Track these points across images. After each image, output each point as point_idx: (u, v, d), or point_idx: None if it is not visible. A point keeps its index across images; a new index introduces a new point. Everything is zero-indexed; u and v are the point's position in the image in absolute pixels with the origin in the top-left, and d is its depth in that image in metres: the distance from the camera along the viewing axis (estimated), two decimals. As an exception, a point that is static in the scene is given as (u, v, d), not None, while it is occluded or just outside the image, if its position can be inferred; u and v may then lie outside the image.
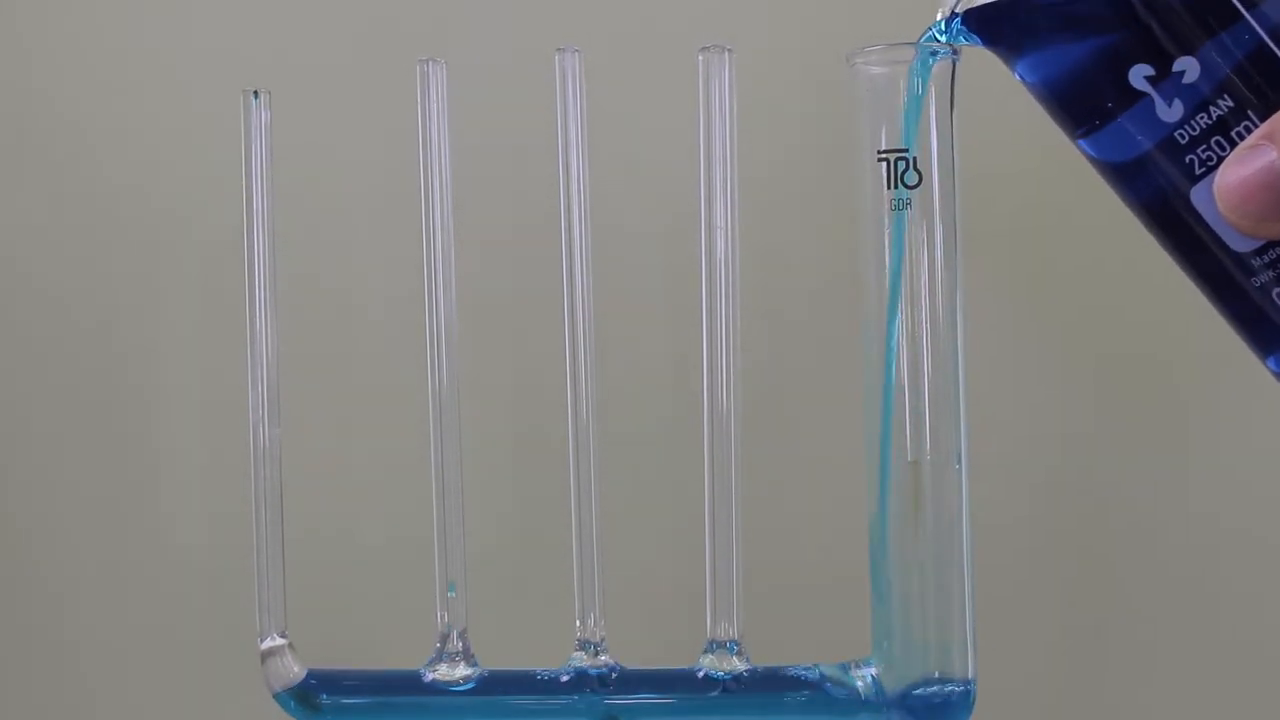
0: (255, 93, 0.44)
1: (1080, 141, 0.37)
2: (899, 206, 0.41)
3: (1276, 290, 0.35)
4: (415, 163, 0.45)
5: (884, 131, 0.41)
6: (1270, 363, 0.36)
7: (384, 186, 0.59)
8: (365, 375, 0.60)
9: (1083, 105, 0.36)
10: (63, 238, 0.62)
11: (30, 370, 0.62)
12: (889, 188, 0.41)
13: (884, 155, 0.41)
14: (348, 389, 0.60)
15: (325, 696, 0.44)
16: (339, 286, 0.60)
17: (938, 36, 0.39)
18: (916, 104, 0.40)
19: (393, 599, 0.60)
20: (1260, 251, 0.35)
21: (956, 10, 0.38)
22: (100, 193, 0.61)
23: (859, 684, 0.43)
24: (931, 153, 0.41)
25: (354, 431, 0.60)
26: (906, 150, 0.40)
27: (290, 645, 0.45)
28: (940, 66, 0.40)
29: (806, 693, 0.43)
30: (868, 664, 0.43)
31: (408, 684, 0.44)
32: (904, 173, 0.41)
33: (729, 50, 0.42)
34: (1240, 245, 0.35)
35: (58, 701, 0.63)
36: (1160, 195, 0.36)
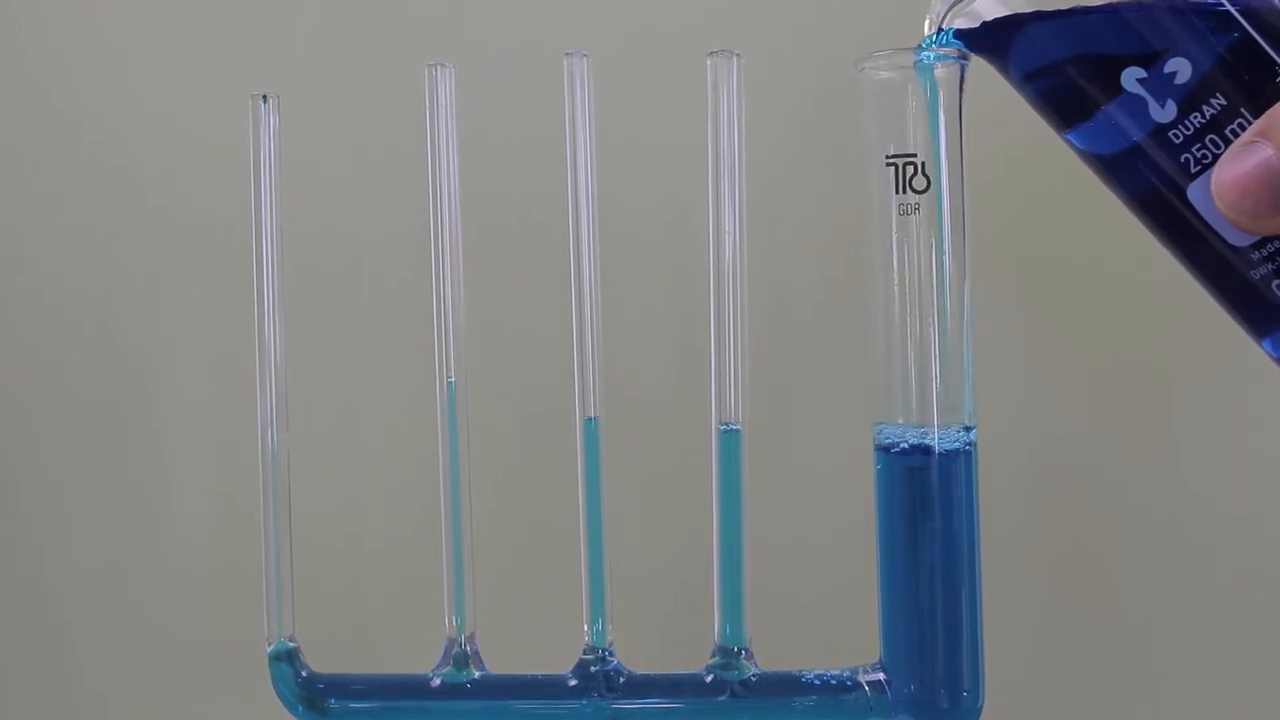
0: (264, 97, 0.44)
1: (1074, 141, 0.37)
2: (906, 211, 0.41)
3: (1276, 282, 0.36)
4: (424, 167, 0.45)
5: (892, 136, 0.41)
6: (1266, 344, 0.37)
7: (392, 190, 0.59)
8: (373, 380, 0.60)
9: (1077, 109, 0.37)
10: (72, 242, 0.62)
11: (38, 375, 0.62)
12: (897, 192, 0.41)
13: (892, 160, 0.41)
14: (356, 394, 0.60)
15: (333, 700, 0.44)
16: (347, 290, 0.60)
17: (925, 48, 0.40)
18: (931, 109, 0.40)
19: (400, 603, 0.60)
20: (1258, 245, 0.35)
21: (943, 26, 0.39)
22: (108, 197, 0.62)
23: (867, 689, 0.43)
24: (940, 158, 0.41)
25: (362, 436, 0.61)
26: (915, 155, 0.41)
27: (298, 649, 0.45)
28: (948, 73, 0.40)
29: (815, 697, 0.43)
30: (876, 669, 0.43)
31: (415, 688, 0.45)
32: (912, 178, 0.41)
33: (737, 55, 0.42)
34: (1238, 240, 0.36)
35: (64, 704, 0.63)
36: (1157, 193, 0.36)
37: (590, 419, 0.44)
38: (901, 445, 0.42)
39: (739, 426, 0.43)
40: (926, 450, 0.41)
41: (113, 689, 0.63)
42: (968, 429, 0.42)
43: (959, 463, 0.42)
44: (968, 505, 0.42)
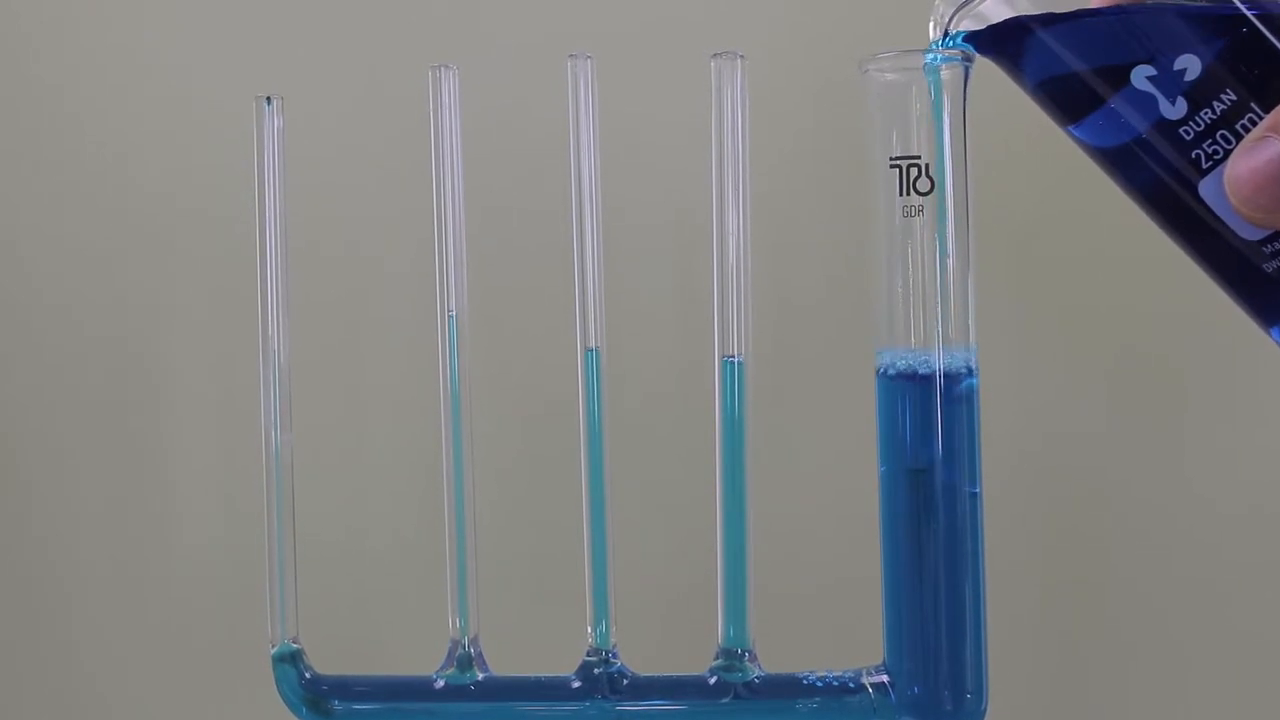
0: (268, 99, 0.44)
1: (1083, 138, 0.37)
2: (910, 214, 0.41)
3: None
4: (428, 168, 0.45)
5: (896, 138, 0.41)
6: (1275, 333, 0.37)
7: (396, 191, 0.59)
8: (377, 382, 0.60)
9: (1087, 107, 0.37)
10: (75, 244, 0.62)
11: (41, 376, 0.62)
12: (901, 194, 0.41)
13: (896, 162, 0.41)
14: (360, 396, 0.60)
15: (337, 702, 0.44)
16: (351, 292, 0.60)
17: (933, 51, 0.40)
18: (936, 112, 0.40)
19: (404, 605, 0.60)
20: (1271, 239, 0.36)
21: (950, 30, 0.39)
22: (114, 199, 0.62)
23: (871, 691, 0.42)
24: (944, 160, 0.40)
25: (366, 438, 0.61)
26: (919, 157, 0.40)
27: (302, 650, 0.45)
28: (952, 74, 0.40)
29: (818, 699, 0.43)
30: (880, 671, 0.43)
31: (419, 690, 0.44)
32: (916, 180, 0.41)
33: (740, 56, 0.42)
34: (1251, 234, 0.36)
35: (67, 705, 0.63)
36: (1167, 189, 0.36)
37: (591, 350, 0.44)
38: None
39: (741, 359, 0.43)
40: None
41: (116, 690, 0.63)
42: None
43: (965, 470, 0.42)
44: (971, 509, 0.42)
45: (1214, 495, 0.58)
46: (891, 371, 0.42)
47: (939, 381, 0.41)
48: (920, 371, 0.41)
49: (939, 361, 0.41)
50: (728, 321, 0.43)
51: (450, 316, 0.44)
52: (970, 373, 0.41)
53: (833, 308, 0.58)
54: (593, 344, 0.44)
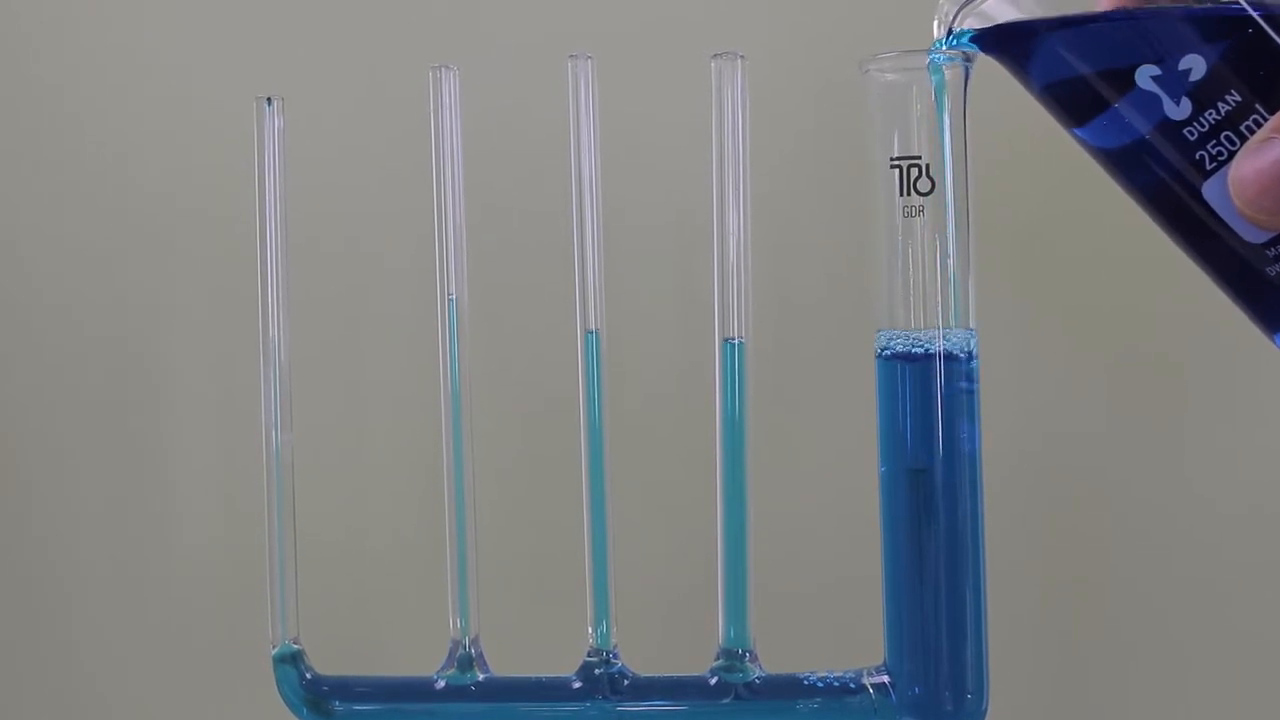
0: (269, 99, 0.44)
1: (1085, 138, 0.37)
2: (910, 214, 0.41)
3: None
4: (428, 168, 0.45)
5: (896, 138, 0.41)
6: (1278, 339, 0.37)
7: (396, 191, 0.59)
8: (377, 383, 0.60)
9: (1090, 107, 0.37)
10: (76, 244, 0.62)
11: (43, 377, 0.62)
12: (901, 195, 0.41)
13: (897, 162, 0.41)
14: (361, 397, 0.60)
15: (338, 703, 0.44)
16: (352, 292, 0.60)
17: (939, 49, 0.39)
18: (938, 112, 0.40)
19: (404, 605, 0.60)
20: (1275, 241, 0.35)
21: (954, 28, 0.39)
22: (114, 199, 0.62)
23: (871, 691, 0.42)
24: (944, 159, 0.40)
25: (366, 438, 0.61)
26: (919, 157, 0.40)
27: (302, 651, 0.45)
28: (953, 74, 0.40)
29: (819, 700, 0.43)
30: (880, 671, 0.43)
31: (419, 690, 0.44)
32: (916, 180, 0.41)
33: (741, 56, 0.42)
34: (1255, 237, 0.35)
35: (68, 706, 0.63)
36: (1170, 191, 0.36)
37: (591, 332, 0.44)
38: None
39: (742, 339, 0.43)
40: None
41: (116, 691, 0.63)
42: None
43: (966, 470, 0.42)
44: (972, 505, 0.42)
45: (1214, 495, 0.58)
46: (888, 353, 0.42)
47: (939, 378, 0.41)
48: (916, 352, 0.41)
49: (939, 350, 0.41)
50: (728, 303, 0.42)
51: (450, 300, 0.44)
52: (971, 377, 0.41)
53: (833, 308, 0.58)
54: (593, 326, 0.43)
